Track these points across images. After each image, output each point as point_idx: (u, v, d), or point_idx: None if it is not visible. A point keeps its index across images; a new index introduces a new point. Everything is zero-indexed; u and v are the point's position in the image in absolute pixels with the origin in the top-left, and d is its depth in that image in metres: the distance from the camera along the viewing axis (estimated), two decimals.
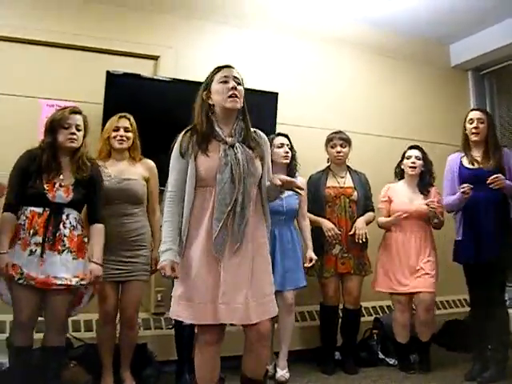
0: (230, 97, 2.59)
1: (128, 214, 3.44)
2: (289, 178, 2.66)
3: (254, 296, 2.54)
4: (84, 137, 3.18)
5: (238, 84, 2.64)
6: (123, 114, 3.54)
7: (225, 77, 2.62)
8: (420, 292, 4.00)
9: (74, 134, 3.09)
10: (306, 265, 3.90)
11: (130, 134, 3.50)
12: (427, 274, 4.01)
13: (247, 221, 2.55)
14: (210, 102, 2.63)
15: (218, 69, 2.67)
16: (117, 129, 3.48)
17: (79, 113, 3.18)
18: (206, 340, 2.58)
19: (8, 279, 2.98)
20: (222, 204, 2.50)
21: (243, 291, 2.51)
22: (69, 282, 3.01)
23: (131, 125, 3.52)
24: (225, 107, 2.61)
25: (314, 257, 3.90)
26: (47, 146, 3.08)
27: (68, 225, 3.09)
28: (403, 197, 4.17)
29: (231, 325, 2.70)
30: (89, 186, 3.18)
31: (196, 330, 2.68)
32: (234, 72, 2.67)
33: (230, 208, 2.50)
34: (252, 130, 2.72)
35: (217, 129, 2.61)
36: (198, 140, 2.58)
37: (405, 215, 4.01)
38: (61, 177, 3.10)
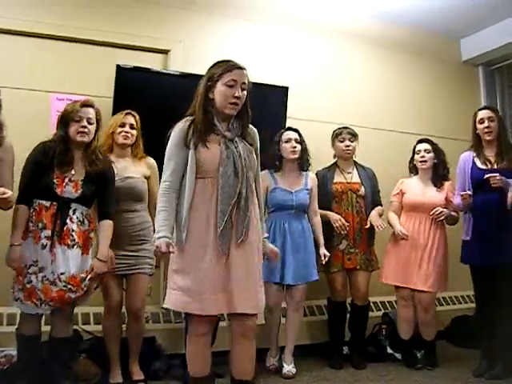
0: (231, 104, 2.58)
1: (130, 210, 3.48)
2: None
3: (259, 286, 2.61)
4: (97, 130, 3.16)
5: (243, 90, 2.62)
6: (129, 110, 3.56)
7: (233, 81, 2.58)
8: (419, 291, 3.99)
9: (84, 127, 3.07)
10: (322, 262, 3.92)
11: (134, 132, 3.54)
12: (430, 272, 3.98)
13: (250, 213, 2.59)
14: (211, 95, 2.62)
15: (229, 68, 2.60)
16: (123, 125, 3.51)
17: (91, 106, 3.15)
18: (198, 331, 2.60)
19: (18, 273, 2.99)
20: (226, 197, 2.53)
21: (253, 280, 2.56)
22: (79, 294, 3.04)
23: (136, 122, 3.55)
24: (222, 112, 2.62)
25: (327, 253, 3.91)
26: (59, 139, 3.08)
27: (75, 220, 3.08)
28: (416, 189, 4.15)
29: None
30: (100, 181, 3.16)
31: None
32: (244, 77, 2.62)
33: (234, 200, 2.53)
34: None
35: (216, 123, 2.62)
36: (199, 131, 2.58)
37: (405, 236, 4.03)
38: (72, 171, 3.09)
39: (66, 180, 3.06)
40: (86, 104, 3.14)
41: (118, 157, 3.53)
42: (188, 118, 2.65)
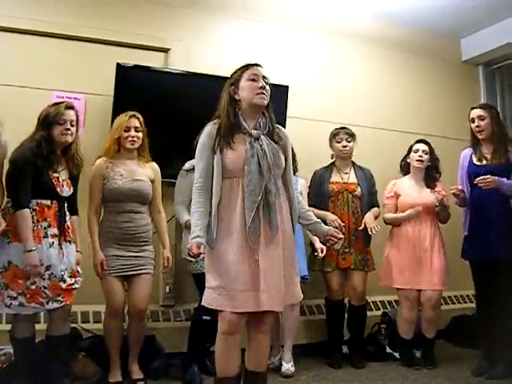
0: (258, 94, 2.65)
1: (136, 211, 3.50)
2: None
3: (286, 283, 2.61)
4: (76, 132, 3.21)
5: (266, 84, 2.70)
6: (133, 112, 3.54)
7: (254, 75, 2.68)
8: (427, 290, 3.99)
9: (68, 129, 3.13)
10: (319, 256, 3.91)
11: (140, 134, 3.53)
12: (437, 270, 3.99)
13: (279, 208, 2.63)
14: (237, 97, 2.68)
15: (247, 66, 2.71)
16: (128, 129, 3.49)
17: (73, 108, 3.20)
18: (228, 330, 2.59)
19: (13, 277, 2.96)
20: (251, 194, 2.56)
21: (280, 278, 2.58)
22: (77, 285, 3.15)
23: (141, 124, 3.54)
24: (252, 103, 2.67)
25: (323, 246, 3.88)
26: (44, 140, 3.08)
27: (67, 217, 3.18)
28: (411, 191, 4.15)
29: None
30: (77, 180, 3.28)
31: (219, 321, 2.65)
32: (263, 72, 2.72)
33: (260, 197, 2.56)
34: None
35: (242, 122, 2.67)
36: (224, 133, 2.64)
37: (421, 209, 4.01)
38: (60, 171, 3.15)
39: (60, 179, 3.13)
40: (69, 106, 3.19)
41: (125, 159, 3.54)
42: (216, 120, 2.71)
